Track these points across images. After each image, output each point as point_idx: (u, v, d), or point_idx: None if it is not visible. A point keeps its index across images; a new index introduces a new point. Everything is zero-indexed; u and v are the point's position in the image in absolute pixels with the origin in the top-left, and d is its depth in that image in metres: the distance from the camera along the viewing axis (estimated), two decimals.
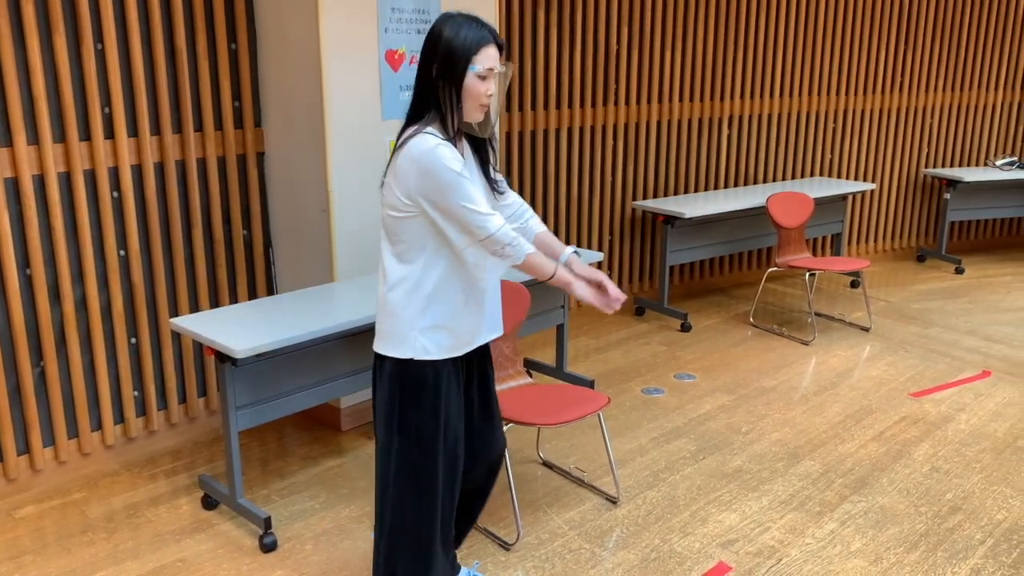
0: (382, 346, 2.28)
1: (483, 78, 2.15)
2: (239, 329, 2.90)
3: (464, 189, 2.10)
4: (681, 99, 5.61)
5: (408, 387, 2.27)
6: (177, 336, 3.69)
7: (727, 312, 5.54)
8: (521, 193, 5.01)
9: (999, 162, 6.71)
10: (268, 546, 2.92)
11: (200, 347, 3.77)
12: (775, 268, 5.29)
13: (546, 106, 4.97)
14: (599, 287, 2.33)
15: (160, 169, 3.54)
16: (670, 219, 5.12)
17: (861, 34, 6.22)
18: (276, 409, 3.12)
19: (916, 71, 6.50)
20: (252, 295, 3.89)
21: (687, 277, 5.98)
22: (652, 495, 3.28)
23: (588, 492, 3.30)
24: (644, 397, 4.19)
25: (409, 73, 3.72)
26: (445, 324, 2.25)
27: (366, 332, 3.34)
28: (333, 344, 3.26)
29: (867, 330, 5.16)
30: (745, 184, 6.07)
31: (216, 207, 3.71)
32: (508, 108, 4.81)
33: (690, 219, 5.08)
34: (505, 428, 2.94)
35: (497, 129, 2.43)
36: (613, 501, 3.23)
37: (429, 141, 2.10)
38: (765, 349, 4.86)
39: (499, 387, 3.19)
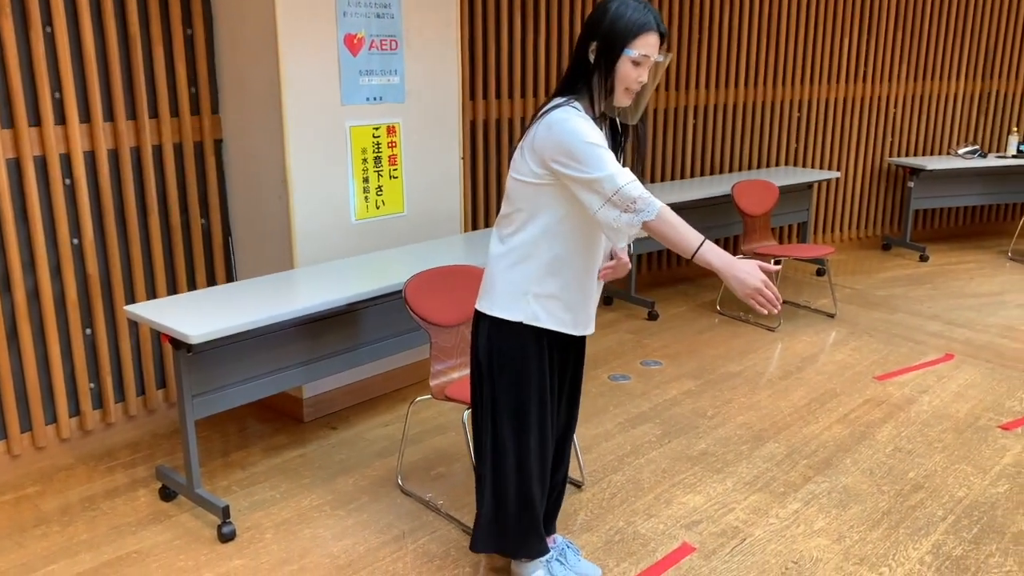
0: (489, 306, 2.33)
1: (637, 64, 2.15)
2: (195, 315, 2.85)
3: (596, 152, 2.10)
4: None
5: (508, 350, 2.33)
6: (134, 327, 3.62)
7: (694, 300, 5.55)
8: (486, 183, 4.98)
9: (961, 151, 6.79)
10: (226, 535, 2.86)
11: (158, 337, 3.70)
12: (741, 256, 5.30)
13: (511, 95, 4.94)
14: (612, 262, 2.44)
15: (114, 156, 3.47)
16: None
17: (825, 25, 6.25)
18: (234, 397, 3.07)
19: (879, 61, 6.55)
20: (211, 284, 3.83)
21: (655, 267, 5.98)
22: (617, 479, 3.27)
23: None
24: (611, 384, 4.18)
25: (369, 59, 3.68)
26: (561, 296, 2.30)
27: (327, 319, 3.30)
28: (292, 331, 3.21)
29: (832, 316, 5.19)
30: (711, 174, 6.09)
31: (173, 195, 3.64)
32: (472, 96, 4.78)
33: None
34: (467, 412, 2.92)
35: (647, 128, 2.40)
36: (578, 485, 3.21)
37: (569, 112, 2.14)
38: (731, 336, 4.87)
39: (463, 372, 3.16)
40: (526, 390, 2.36)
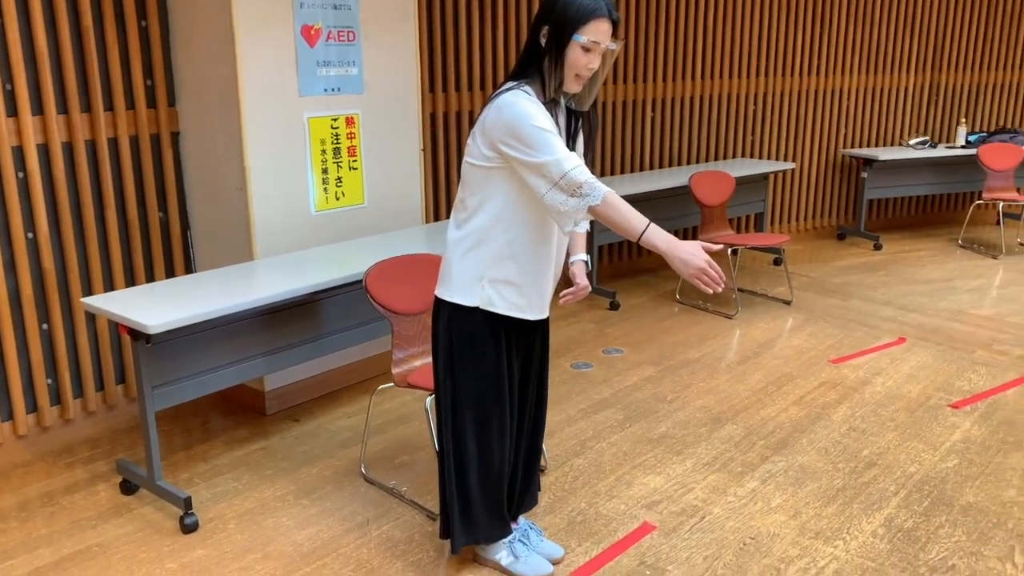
0: (447, 292, 2.35)
1: (587, 49, 2.18)
2: (153, 306, 2.83)
3: (544, 136, 2.13)
4: (604, 82, 5.65)
5: (467, 335, 2.35)
6: (92, 321, 3.58)
7: (654, 291, 5.62)
8: (447, 175, 5.00)
9: (912, 141, 6.95)
10: (189, 527, 2.85)
11: (116, 332, 3.67)
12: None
13: (470, 87, 4.96)
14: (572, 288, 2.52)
15: (69, 149, 3.43)
16: None
17: (779, 18, 6.36)
18: (194, 388, 3.06)
19: (832, 55, 6.68)
20: (170, 278, 3.79)
21: (615, 258, 6.04)
22: (579, 462, 3.31)
23: None
24: (573, 372, 4.23)
25: (327, 50, 3.68)
26: (516, 281, 2.32)
27: (287, 309, 3.30)
28: (252, 322, 3.20)
29: (789, 303, 5.29)
30: (669, 166, 6.16)
31: (130, 188, 3.61)
32: (432, 89, 4.79)
33: None
34: (430, 399, 2.94)
35: (597, 116, 2.42)
36: (541, 470, 3.24)
37: (519, 96, 2.16)
38: (690, 324, 4.94)
39: (425, 360, 3.18)
40: (486, 375, 2.39)
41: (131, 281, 3.68)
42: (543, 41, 2.21)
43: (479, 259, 2.30)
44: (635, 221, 2.14)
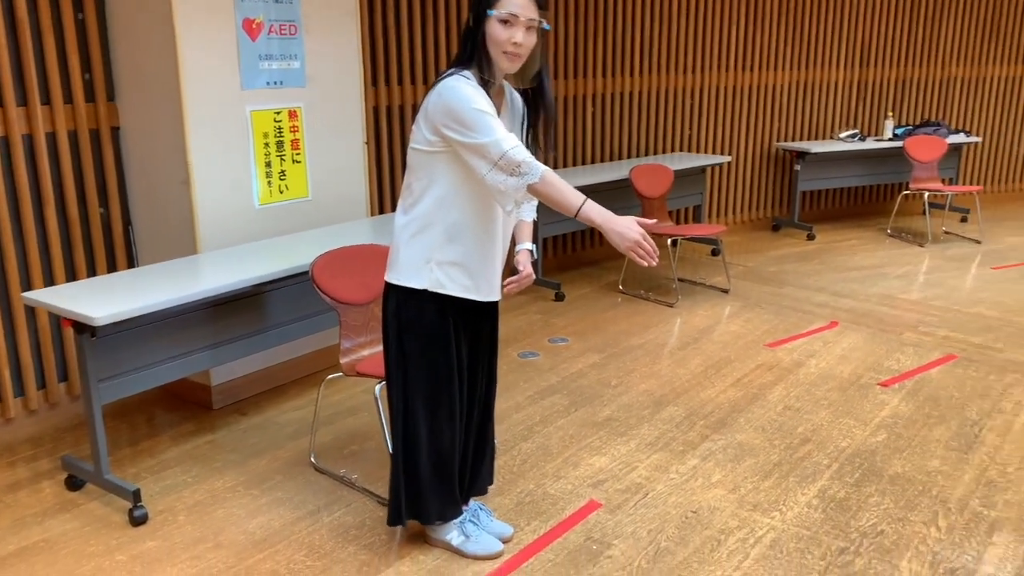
0: (396, 276, 2.40)
1: (504, 22, 2.21)
2: (97, 299, 2.82)
3: (482, 118, 2.18)
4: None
5: (416, 318, 2.40)
6: (33, 319, 3.54)
7: (598, 282, 5.73)
8: (391, 168, 5.03)
9: (843, 134, 7.20)
10: (138, 519, 2.85)
11: (59, 330, 3.62)
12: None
13: (413, 81, 5.00)
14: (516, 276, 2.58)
15: (5, 144, 3.38)
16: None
17: (713, 15, 6.53)
18: (140, 382, 3.05)
19: (765, 51, 6.88)
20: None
21: (560, 251, 6.14)
22: (527, 446, 3.38)
23: None
24: (520, 361, 4.30)
25: (268, 44, 3.69)
26: (463, 263, 2.38)
27: (233, 302, 3.31)
28: (198, 314, 3.20)
29: (726, 292, 5.45)
30: (610, 160, 6.29)
31: (69, 184, 3.57)
32: (375, 83, 4.82)
33: None
34: (379, 386, 2.98)
35: (551, 98, 2.42)
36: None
37: (458, 80, 2.22)
38: (633, 313, 5.06)
39: (374, 350, 3.22)
40: (435, 357, 2.44)
41: (72, 277, 3.64)
42: (472, 22, 2.27)
43: (426, 242, 2.36)
44: (572, 197, 2.22)
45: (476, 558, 2.64)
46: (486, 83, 2.29)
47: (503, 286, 2.54)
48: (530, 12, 2.22)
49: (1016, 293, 5.37)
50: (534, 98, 2.42)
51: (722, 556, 2.66)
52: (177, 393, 3.87)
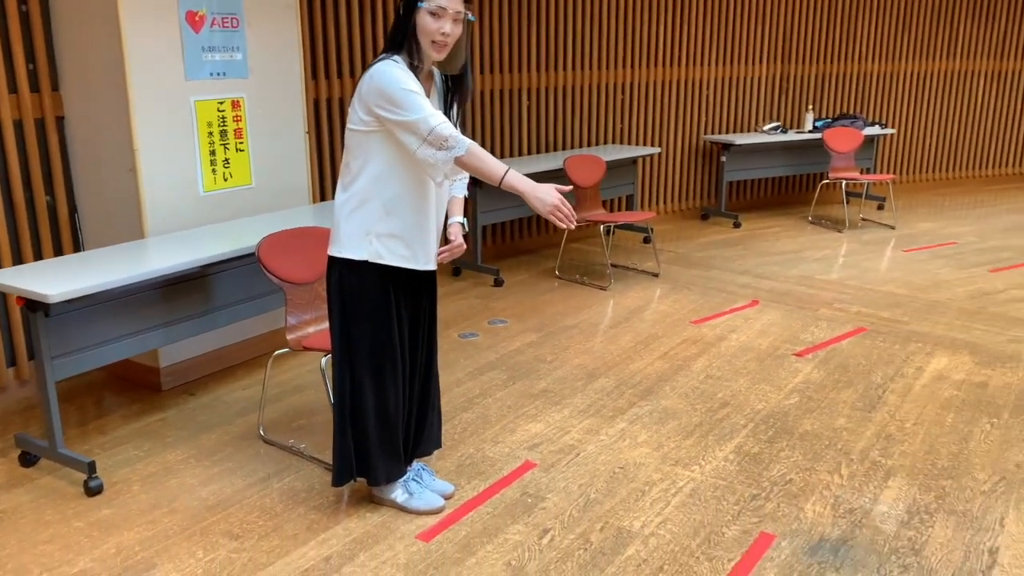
0: (338, 249, 2.57)
1: (434, 15, 2.40)
2: (50, 279, 2.93)
3: (411, 97, 2.38)
4: (482, 71, 5.96)
5: (358, 288, 2.58)
6: None
7: (535, 268, 5.96)
8: (332, 159, 5.17)
9: (766, 127, 7.56)
10: (94, 489, 2.97)
11: (5, 314, 3.70)
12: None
13: (352, 74, 5.16)
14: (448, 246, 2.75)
15: None
16: (478, 183, 5.45)
17: (643, 13, 6.82)
18: (93, 359, 3.16)
19: (692, 47, 7.20)
20: None
21: (499, 239, 6.35)
22: (467, 416, 3.59)
23: None
24: (461, 341, 4.50)
25: (211, 35, 3.82)
26: (400, 235, 2.56)
27: (182, 282, 3.44)
28: (148, 294, 3.33)
29: (657, 276, 5.72)
30: (545, 151, 6.52)
31: (15, 172, 3.65)
32: (315, 76, 4.96)
33: None
34: (325, 359, 3.15)
35: (470, 85, 2.65)
36: None
37: (389, 64, 2.41)
38: (568, 296, 5.30)
39: (319, 327, 3.38)
40: (378, 325, 2.63)
41: (19, 262, 3.71)
42: (401, 12, 2.47)
43: (365, 216, 2.54)
44: (497, 168, 2.43)
45: (419, 513, 2.83)
46: (415, 67, 2.48)
47: (438, 254, 2.73)
48: (457, 5, 2.43)
49: (924, 273, 5.76)
50: (455, 83, 2.63)
51: (646, 504, 2.90)
52: (125, 376, 3.97)
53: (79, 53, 3.64)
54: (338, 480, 2.77)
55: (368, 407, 2.69)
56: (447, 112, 2.64)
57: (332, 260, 2.63)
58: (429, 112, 2.39)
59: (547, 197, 2.39)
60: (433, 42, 2.44)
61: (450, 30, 2.43)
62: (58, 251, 3.85)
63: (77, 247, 3.91)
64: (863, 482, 3.05)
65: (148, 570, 2.56)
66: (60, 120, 3.79)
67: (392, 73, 2.40)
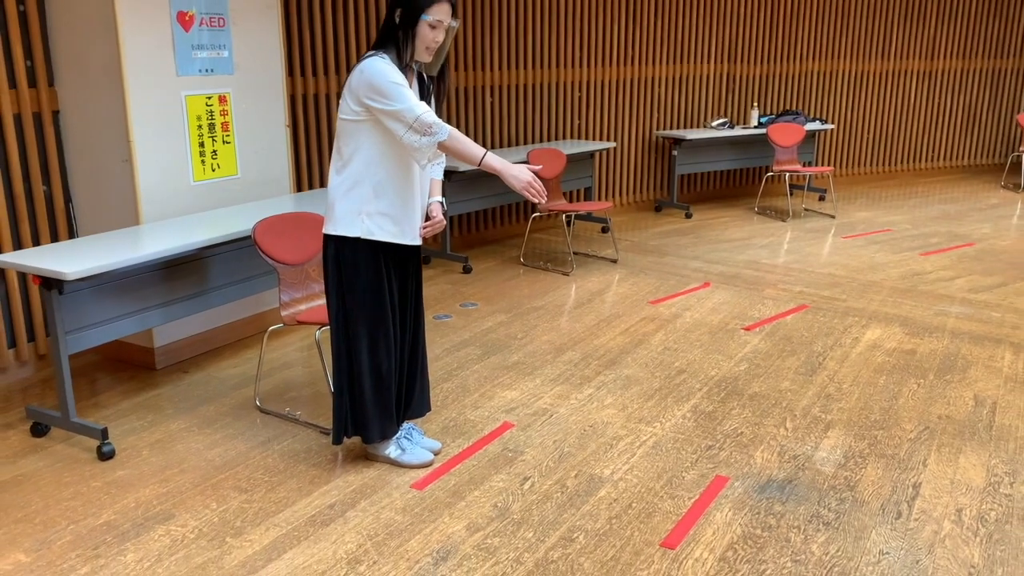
0: (333, 227, 2.87)
1: (433, 27, 2.74)
2: (62, 260, 3.16)
3: (398, 90, 2.69)
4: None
5: (352, 261, 2.87)
6: None
7: (502, 256, 6.28)
8: (308, 152, 5.43)
9: (714, 123, 7.98)
10: (107, 454, 3.21)
11: (7, 300, 3.89)
12: (537, 214, 6.09)
13: (326, 72, 5.42)
14: (430, 222, 3.05)
15: None
16: (446, 174, 5.73)
17: (597, 14, 7.18)
18: (102, 334, 3.40)
19: (644, 47, 7.59)
20: None
21: (467, 229, 6.66)
22: (447, 386, 3.89)
23: None
24: (435, 322, 4.80)
25: (200, 34, 4.06)
26: (389, 213, 2.86)
27: (181, 264, 3.68)
28: (150, 275, 3.57)
29: (615, 262, 6.09)
30: (508, 146, 6.85)
31: (15, 164, 3.85)
32: (291, 73, 5.21)
33: (463, 172, 5.74)
34: (319, 332, 3.43)
35: (449, 81, 3.01)
36: None
37: (377, 60, 2.72)
38: (534, 281, 5.63)
39: (310, 304, 3.65)
40: (371, 294, 2.92)
41: (18, 248, 3.91)
42: (397, 20, 2.77)
43: (357, 197, 2.84)
44: (476, 150, 2.76)
45: (411, 467, 3.13)
46: (402, 65, 2.78)
47: (421, 230, 3.03)
48: (450, 17, 2.78)
49: (861, 257, 6.21)
50: (436, 81, 2.96)
51: (614, 455, 3.24)
52: (120, 357, 4.19)
53: (75, 51, 3.86)
54: (337, 438, 3.06)
55: (364, 370, 2.98)
56: (435, 107, 2.94)
57: (328, 237, 2.91)
58: (414, 102, 2.70)
59: (521, 175, 2.72)
60: (427, 48, 2.77)
61: (442, 39, 2.79)
62: (54, 238, 4.06)
63: (72, 234, 4.12)
64: (805, 433, 3.43)
65: (167, 520, 2.82)
66: (56, 114, 3.99)
67: (381, 68, 2.71)
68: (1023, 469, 3.14)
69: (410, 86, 2.85)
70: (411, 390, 3.21)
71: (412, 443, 3.19)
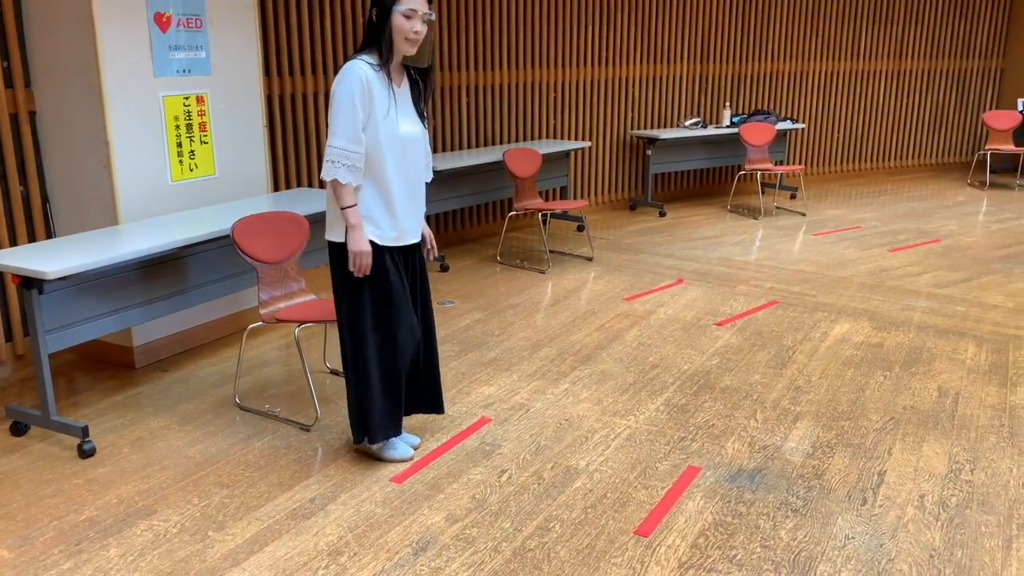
0: (329, 233, 2.96)
1: (408, 16, 2.80)
2: (40, 259, 3.18)
3: (343, 107, 2.79)
4: None
5: (348, 265, 2.92)
6: None
7: (478, 255, 6.34)
8: (285, 152, 5.46)
9: (687, 122, 8.09)
10: (87, 452, 3.23)
11: None
12: (514, 212, 6.15)
13: (302, 72, 5.45)
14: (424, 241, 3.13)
15: None
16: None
17: (571, 16, 7.26)
18: (82, 333, 3.42)
19: (618, 48, 7.68)
20: None
21: (443, 229, 6.71)
22: None
23: None
24: None
25: (177, 35, 4.09)
26: (368, 216, 2.92)
27: (160, 263, 3.71)
28: (130, 274, 3.59)
29: (591, 260, 6.17)
30: (485, 145, 6.91)
31: None
32: (268, 73, 5.24)
33: (440, 171, 5.79)
34: (298, 329, 3.48)
35: (434, 77, 3.10)
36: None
37: (354, 63, 2.81)
38: (511, 279, 5.69)
39: (290, 302, 3.69)
40: (375, 294, 2.95)
41: None
42: (375, 18, 2.84)
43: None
44: (345, 199, 2.86)
45: (392, 461, 3.18)
46: (385, 63, 2.85)
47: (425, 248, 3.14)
48: (425, 7, 2.84)
49: (831, 254, 6.34)
50: (422, 76, 3.02)
51: (589, 447, 3.32)
52: (99, 357, 4.20)
53: (52, 52, 3.87)
54: (359, 438, 3.11)
55: (372, 373, 3.01)
56: (422, 102, 3.01)
57: (328, 243, 2.98)
58: (342, 132, 2.82)
59: (355, 247, 2.87)
60: (407, 39, 2.83)
61: (420, 28, 2.84)
62: (32, 238, 4.07)
63: (49, 235, 4.13)
64: (775, 424, 3.53)
65: (150, 515, 2.86)
66: (33, 115, 4.00)
67: (350, 76, 2.80)
68: (983, 457, 3.25)
69: (399, 85, 2.93)
70: (420, 386, 3.25)
71: (399, 439, 3.24)
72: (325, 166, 2.84)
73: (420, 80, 3.03)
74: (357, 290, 2.97)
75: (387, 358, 3.03)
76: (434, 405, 3.32)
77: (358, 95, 2.80)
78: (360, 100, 2.80)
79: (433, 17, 2.89)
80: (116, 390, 3.88)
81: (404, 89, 2.97)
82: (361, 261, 2.88)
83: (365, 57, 2.84)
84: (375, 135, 2.86)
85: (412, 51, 2.89)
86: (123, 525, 2.79)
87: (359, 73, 2.80)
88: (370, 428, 3.09)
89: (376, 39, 2.86)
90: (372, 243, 2.94)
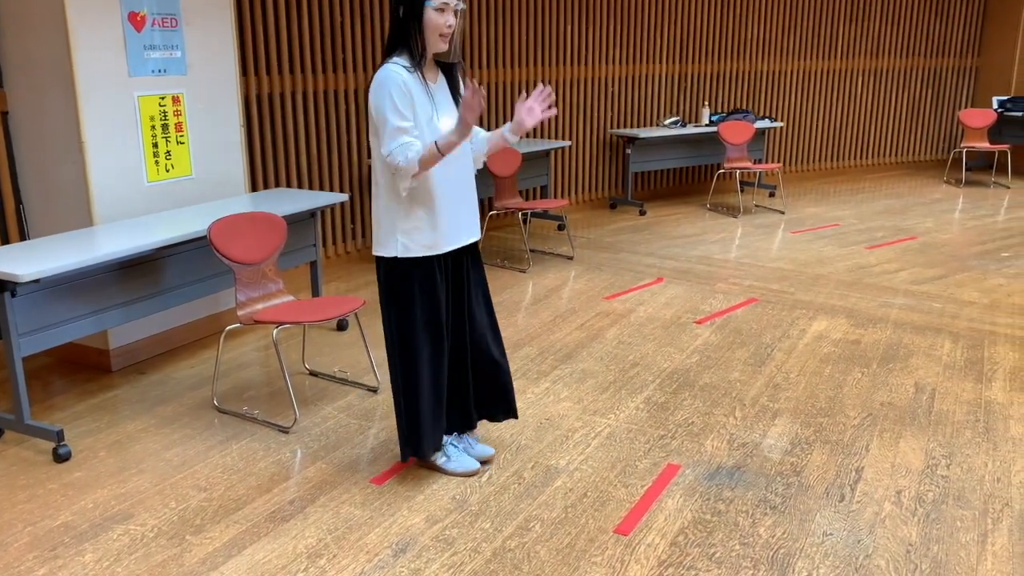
0: (376, 248, 2.86)
1: (440, 11, 2.67)
2: (13, 262, 3.14)
3: (388, 127, 2.65)
4: None
5: (395, 280, 2.84)
6: None
7: None
8: (263, 152, 5.42)
9: (667, 121, 8.12)
10: (63, 456, 3.19)
11: None
12: (494, 212, 6.15)
13: (280, 71, 5.42)
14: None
15: None
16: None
17: (550, 15, 7.26)
18: (57, 336, 3.38)
19: (598, 47, 7.69)
20: None
21: None
22: None
23: (352, 387, 3.89)
24: None
25: (152, 34, 4.05)
26: (423, 226, 2.79)
27: (136, 265, 3.68)
28: (105, 276, 3.55)
29: (571, 258, 6.17)
30: None
31: None
32: (245, 73, 5.20)
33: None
34: (276, 331, 3.46)
35: (462, 65, 2.92)
36: (374, 390, 3.84)
37: (389, 68, 2.68)
38: (492, 278, 5.68)
39: (268, 303, 3.67)
40: (424, 312, 2.84)
41: None
42: (402, 15, 2.70)
43: (391, 214, 2.81)
44: (432, 152, 2.66)
45: (456, 475, 3.07)
46: (418, 63, 2.72)
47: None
48: (456, 0, 2.71)
49: (809, 251, 6.38)
50: (447, 72, 2.87)
51: (570, 446, 3.32)
52: (74, 359, 4.16)
53: (24, 53, 3.82)
54: (405, 455, 3.00)
55: (423, 388, 2.91)
56: (454, 96, 2.87)
57: (376, 258, 2.89)
58: (391, 145, 2.66)
59: (466, 115, 2.60)
60: (440, 35, 2.70)
61: (453, 22, 2.71)
62: (5, 240, 4.02)
63: (23, 236, 4.08)
64: (754, 422, 3.54)
65: (126, 519, 2.83)
66: (5, 115, 3.95)
67: (388, 80, 2.65)
68: (959, 452, 3.29)
69: (435, 79, 2.81)
70: (476, 391, 3.11)
71: (459, 450, 3.14)
72: (398, 171, 2.69)
73: (447, 75, 2.88)
74: (405, 304, 2.85)
75: (437, 373, 2.93)
76: (507, 410, 3.17)
77: (398, 99, 2.66)
78: (401, 103, 2.66)
79: (464, 6, 2.75)
80: (92, 393, 3.84)
81: (440, 85, 2.85)
82: (469, 101, 2.58)
83: (397, 60, 2.71)
84: (420, 141, 2.72)
85: (445, 47, 2.75)
86: (99, 530, 2.76)
87: (396, 78, 2.66)
88: (421, 445, 2.98)
89: (404, 38, 2.72)
90: (421, 257, 2.82)
